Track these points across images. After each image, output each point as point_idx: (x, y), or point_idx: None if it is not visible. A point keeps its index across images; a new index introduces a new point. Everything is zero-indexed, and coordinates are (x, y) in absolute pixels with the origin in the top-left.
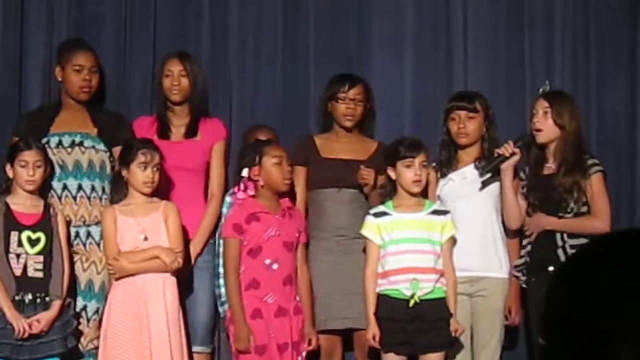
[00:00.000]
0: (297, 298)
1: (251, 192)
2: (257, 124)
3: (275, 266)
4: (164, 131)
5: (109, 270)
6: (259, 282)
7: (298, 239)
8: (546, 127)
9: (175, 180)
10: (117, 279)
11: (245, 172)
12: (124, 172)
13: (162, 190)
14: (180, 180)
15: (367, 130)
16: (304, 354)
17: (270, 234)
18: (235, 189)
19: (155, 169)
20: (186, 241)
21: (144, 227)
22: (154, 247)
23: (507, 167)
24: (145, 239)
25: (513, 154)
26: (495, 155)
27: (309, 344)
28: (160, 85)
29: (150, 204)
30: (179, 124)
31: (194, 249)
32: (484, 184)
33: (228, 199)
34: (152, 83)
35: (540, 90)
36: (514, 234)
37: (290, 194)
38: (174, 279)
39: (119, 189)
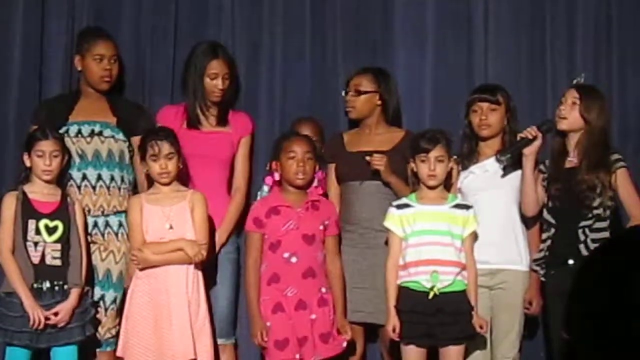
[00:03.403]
0: (324, 290)
1: (268, 186)
2: (301, 117)
3: (293, 259)
4: (194, 122)
5: (133, 260)
6: (279, 276)
7: (323, 232)
8: (571, 116)
9: (202, 169)
10: (140, 270)
11: (268, 165)
12: (144, 166)
13: (189, 178)
14: (208, 169)
15: (390, 119)
16: (344, 344)
17: (289, 227)
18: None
19: (167, 158)
20: (212, 231)
21: (169, 215)
22: (178, 240)
23: (530, 153)
24: (171, 227)
25: (535, 137)
26: (518, 139)
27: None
28: (190, 78)
29: (177, 193)
30: (208, 114)
31: (218, 241)
32: (506, 171)
33: (266, 188)
34: (172, 72)
35: (574, 81)
36: (534, 226)
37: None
38: (198, 272)
39: (150, 183)
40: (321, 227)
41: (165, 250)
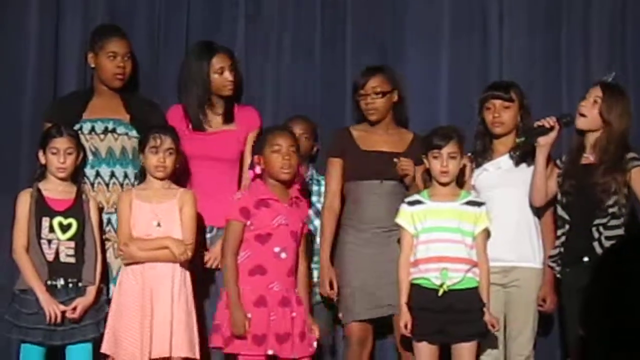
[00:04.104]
0: (296, 289)
1: (247, 181)
2: (295, 115)
3: (283, 255)
4: (200, 124)
5: (119, 254)
6: (265, 269)
7: (301, 230)
8: (591, 115)
9: (212, 172)
10: (126, 265)
11: (249, 160)
12: (141, 158)
13: (198, 181)
14: (217, 170)
15: (399, 119)
16: (315, 343)
17: (280, 221)
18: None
19: (167, 153)
20: (202, 230)
21: (157, 213)
22: (165, 238)
23: (544, 143)
24: (159, 225)
25: (552, 128)
26: (535, 126)
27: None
28: (193, 81)
29: (168, 190)
30: (213, 114)
31: None
32: (519, 161)
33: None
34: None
35: (604, 78)
36: (549, 223)
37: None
38: (185, 272)
39: (142, 176)
40: (301, 225)
41: (152, 247)
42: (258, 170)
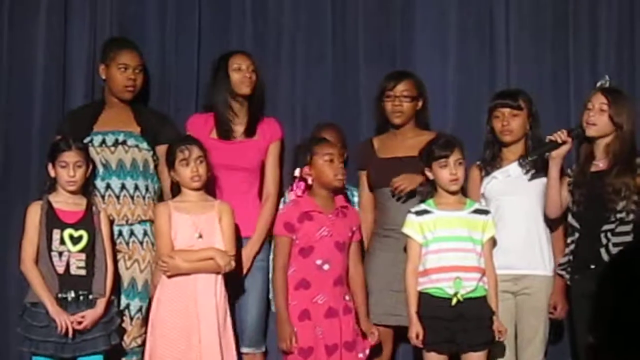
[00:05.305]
0: (347, 297)
1: (299, 192)
2: (325, 123)
3: (326, 267)
4: (225, 131)
5: (162, 267)
6: (309, 283)
7: (351, 238)
8: (601, 122)
9: (232, 180)
10: (169, 277)
11: (297, 172)
12: (173, 174)
13: (219, 189)
14: (238, 180)
15: (423, 124)
16: (367, 351)
17: (323, 233)
18: (289, 189)
19: (198, 162)
20: (237, 241)
21: (199, 225)
22: (209, 249)
23: (557, 155)
24: (200, 236)
25: (564, 142)
26: (547, 140)
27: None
28: (216, 85)
29: (205, 202)
30: (237, 122)
31: (251, 250)
32: (532, 175)
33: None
34: (197, 80)
35: (598, 84)
36: (559, 231)
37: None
38: (222, 279)
39: (175, 193)
40: (350, 234)
41: (197, 258)
42: (310, 180)
